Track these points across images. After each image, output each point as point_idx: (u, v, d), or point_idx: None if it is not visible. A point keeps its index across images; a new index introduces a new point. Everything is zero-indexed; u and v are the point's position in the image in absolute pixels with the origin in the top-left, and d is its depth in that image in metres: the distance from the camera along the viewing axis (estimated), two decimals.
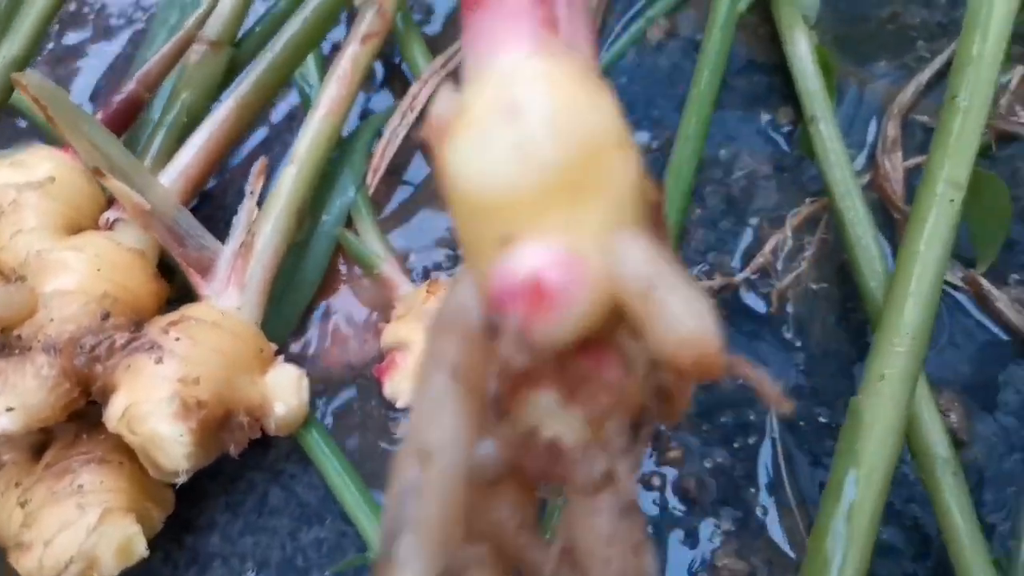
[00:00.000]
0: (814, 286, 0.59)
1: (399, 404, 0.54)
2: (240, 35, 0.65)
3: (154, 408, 0.44)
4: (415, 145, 0.68)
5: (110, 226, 0.52)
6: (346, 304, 0.60)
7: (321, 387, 0.57)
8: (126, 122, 0.59)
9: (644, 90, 0.69)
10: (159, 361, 0.45)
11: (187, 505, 0.52)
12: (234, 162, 0.68)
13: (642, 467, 0.53)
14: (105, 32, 0.77)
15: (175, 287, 0.55)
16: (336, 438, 0.54)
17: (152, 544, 0.51)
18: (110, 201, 0.55)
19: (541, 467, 0.25)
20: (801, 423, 0.54)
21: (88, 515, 0.44)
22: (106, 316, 0.47)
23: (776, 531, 0.51)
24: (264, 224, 0.54)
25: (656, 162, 0.65)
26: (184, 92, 0.60)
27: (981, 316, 0.57)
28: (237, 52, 0.65)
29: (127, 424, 0.44)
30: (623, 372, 0.25)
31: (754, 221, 0.62)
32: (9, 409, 0.43)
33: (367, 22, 0.62)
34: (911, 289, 0.47)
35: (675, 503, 0.52)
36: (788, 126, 0.66)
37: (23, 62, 0.58)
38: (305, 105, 0.67)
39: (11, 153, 0.54)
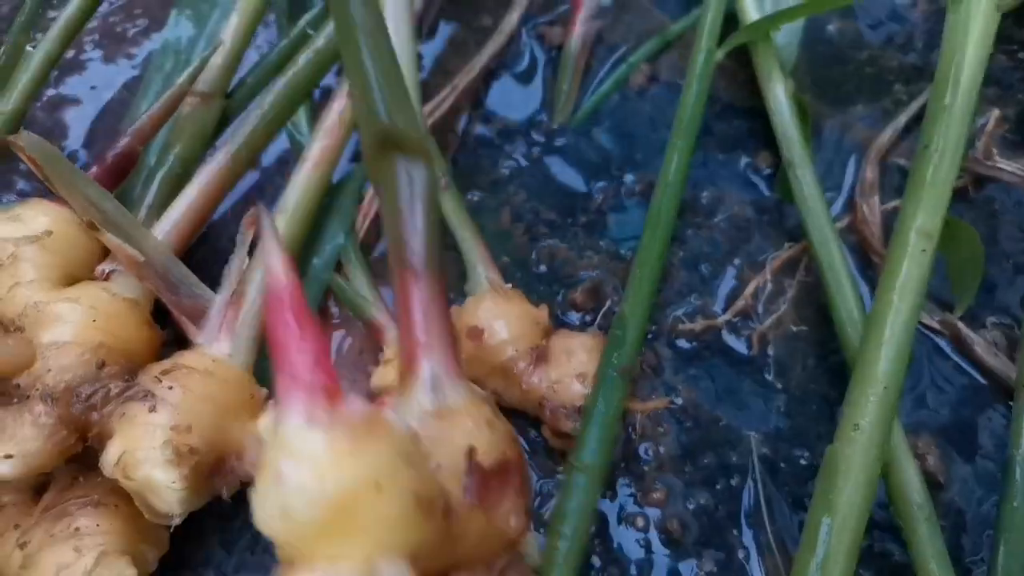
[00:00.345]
0: (794, 328, 0.60)
1: None
2: (231, 86, 0.67)
3: (148, 455, 0.45)
4: None
5: (106, 277, 0.53)
6: (336, 347, 0.62)
7: None
8: (120, 175, 0.60)
9: (627, 134, 0.71)
10: (152, 409, 0.46)
11: (182, 543, 0.53)
12: (226, 205, 0.70)
13: (625, 505, 0.54)
14: (101, 78, 0.79)
15: (169, 331, 0.57)
16: None
17: None
18: (105, 251, 0.56)
19: None
20: (782, 465, 0.56)
21: (85, 558, 0.45)
22: (102, 365, 0.48)
23: (757, 573, 0.52)
24: (255, 273, 0.55)
25: (638, 205, 0.67)
26: (177, 144, 0.62)
27: (959, 359, 0.59)
28: (229, 102, 0.67)
29: (122, 470, 0.45)
30: None
31: (736, 263, 0.63)
32: (8, 456, 0.45)
33: None
34: (885, 338, 0.49)
35: (658, 544, 0.53)
36: (768, 169, 0.68)
37: (20, 115, 0.60)
38: (295, 150, 0.69)
39: (9, 206, 0.55)
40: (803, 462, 0.55)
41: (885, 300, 0.50)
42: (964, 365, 0.58)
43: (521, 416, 0.56)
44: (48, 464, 0.46)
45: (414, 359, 0.41)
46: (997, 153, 0.64)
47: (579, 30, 0.75)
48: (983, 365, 0.58)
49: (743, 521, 0.54)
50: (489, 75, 0.75)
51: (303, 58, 0.63)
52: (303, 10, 0.72)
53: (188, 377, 0.49)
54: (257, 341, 0.54)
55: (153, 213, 0.58)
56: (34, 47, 0.62)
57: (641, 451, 0.56)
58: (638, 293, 0.56)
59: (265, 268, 0.33)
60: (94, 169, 0.58)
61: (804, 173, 0.61)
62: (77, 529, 0.46)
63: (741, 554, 0.53)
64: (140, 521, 0.49)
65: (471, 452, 0.39)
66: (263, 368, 0.55)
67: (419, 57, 0.76)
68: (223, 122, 0.67)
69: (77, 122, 0.76)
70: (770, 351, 0.60)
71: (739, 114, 0.71)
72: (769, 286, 0.61)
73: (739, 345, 0.60)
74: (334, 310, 0.63)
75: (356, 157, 0.72)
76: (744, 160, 0.68)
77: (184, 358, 0.51)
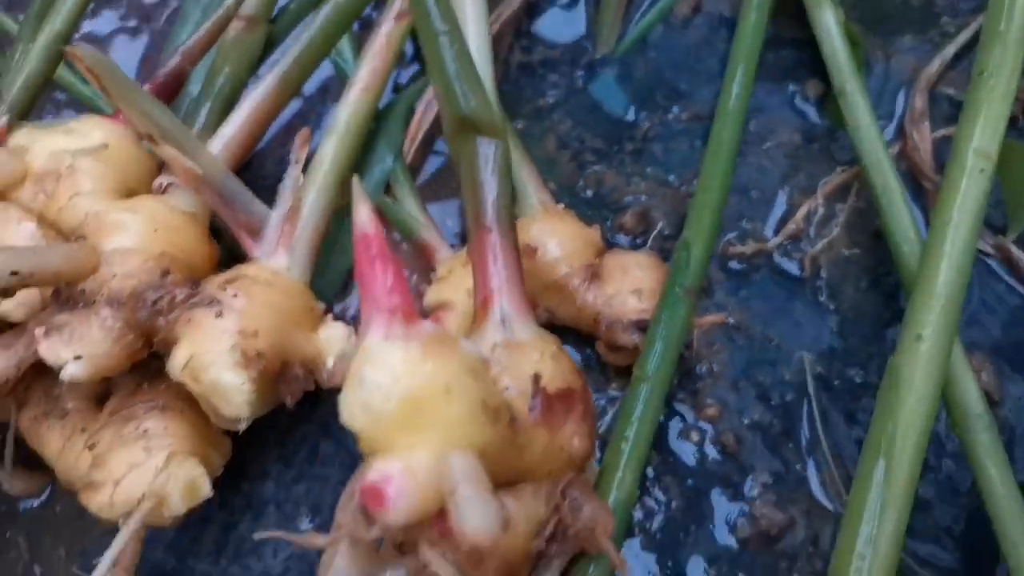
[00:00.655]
0: (846, 252, 0.60)
1: None
2: (275, 12, 0.67)
3: (216, 358, 0.46)
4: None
5: (163, 191, 0.53)
6: None
7: None
8: (170, 96, 0.60)
9: (672, 64, 0.71)
10: (219, 315, 0.47)
11: (243, 455, 0.54)
12: (270, 133, 0.69)
13: (682, 419, 0.55)
14: (139, 13, 0.78)
15: (222, 252, 0.57)
16: None
17: None
18: (159, 169, 0.56)
19: None
20: (836, 382, 0.56)
21: (155, 457, 0.45)
22: (165, 273, 0.48)
23: (814, 484, 0.53)
24: (309, 190, 0.55)
25: (684, 133, 0.67)
26: (225, 67, 0.61)
27: (1012, 281, 0.59)
28: (273, 28, 0.66)
29: (190, 373, 0.46)
30: None
31: (786, 189, 0.63)
32: (77, 357, 0.45)
33: (400, 1, 0.63)
34: (945, 253, 0.48)
35: (713, 456, 0.54)
36: (817, 98, 0.67)
37: (66, 37, 0.60)
38: (339, 78, 0.69)
39: (60, 122, 0.55)
40: (857, 380, 0.56)
41: (944, 218, 0.50)
42: (1017, 287, 0.58)
43: (574, 334, 0.56)
44: (115, 367, 0.47)
45: (488, 301, 0.45)
46: None
47: None
48: None
49: (797, 436, 0.54)
50: (532, 5, 0.74)
51: None
52: None
53: (251, 286, 0.49)
54: (312, 256, 0.54)
55: (205, 133, 0.58)
56: None
57: (696, 369, 0.56)
58: (701, 217, 0.56)
59: (354, 215, 0.37)
60: (146, 87, 0.58)
61: (856, 99, 0.60)
62: (145, 431, 0.47)
63: (797, 467, 0.53)
64: (205, 427, 0.49)
65: (536, 377, 0.42)
66: (317, 287, 0.56)
67: None
68: (267, 49, 0.67)
69: (116, 57, 0.76)
70: (822, 273, 0.59)
71: (787, 44, 0.70)
72: (820, 210, 0.61)
73: (791, 267, 0.60)
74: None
75: (396, 88, 0.72)
76: (793, 89, 0.68)
77: (245, 269, 0.51)
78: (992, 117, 0.52)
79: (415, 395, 0.34)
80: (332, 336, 0.51)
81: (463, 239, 0.63)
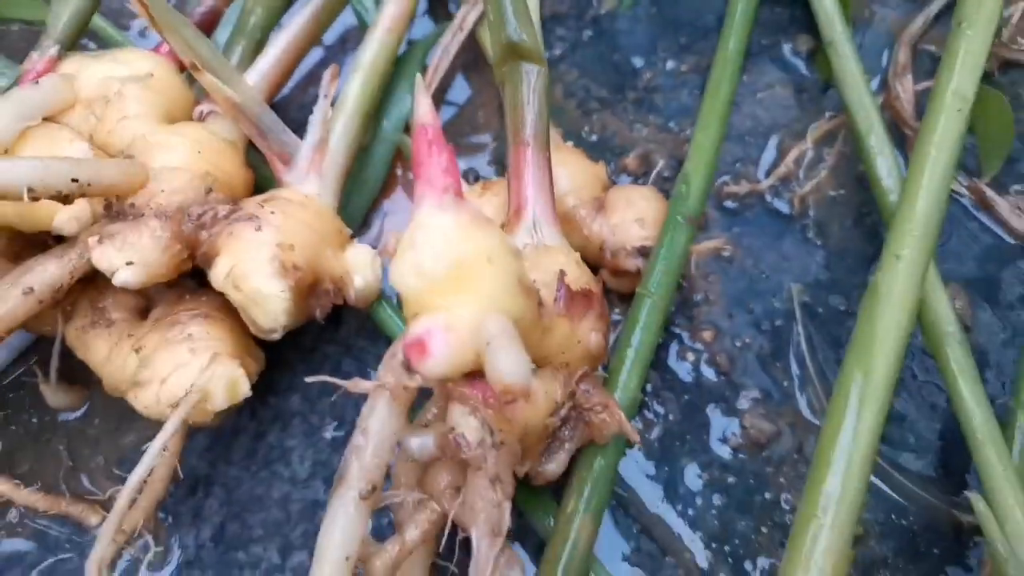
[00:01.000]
0: (833, 193, 0.65)
1: None
2: None
3: (257, 267, 0.50)
4: (458, 69, 0.74)
5: (203, 119, 0.57)
6: (404, 204, 0.66)
7: None
8: (206, 32, 0.64)
9: (672, 20, 0.75)
10: (258, 229, 0.51)
11: (271, 373, 0.58)
12: (293, 81, 0.73)
13: (680, 341, 0.59)
14: None
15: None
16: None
17: (240, 403, 0.57)
18: (197, 101, 0.60)
19: (453, 453, 0.41)
20: (821, 310, 0.60)
21: (200, 357, 0.49)
22: (209, 191, 0.52)
23: (800, 400, 0.57)
24: (337, 123, 0.59)
25: (684, 84, 0.71)
26: (256, 7, 0.65)
27: (985, 220, 0.63)
28: None
29: (232, 282, 0.50)
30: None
31: (777, 136, 0.68)
32: (129, 263, 0.49)
33: None
34: (924, 183, 0.53)
35: (708, 374, 0.58)
36: (807, 53, 0.72)
37: None
38: (360, 26, 0.73)
39: (108, 51, 0.59)
40: (841, 308, 0.60)
41: (924, 151, 0.54)
42: (990, 225, 0.63)
43: None
44: (163, 275, 0.51)
45: (521, 207, 0.51)
46: (1022, 40, 0.69)
47: None
48: (1007, 225, 0.62)
49: (786, 357, 0.59)
50: None
51: None
52: None
53: (287, 205, 0.53)
54: (339, 184, 0.58)
55: (240, 68, 0.62)
56: None
57: (692, 298, 0.61)
58: (700, 154, 0.60)
59: (415, 107, 0.42)
60: None
61: (844, 49, 0.65)
62: (190, 335, 0.51)
63: (785, 384, 0.58)
64: (244, 336, 0.53)
65: (561, 273, 0.47)
66: (344, 215, 0.59)
67: None
68: None
69: None
70: (810, 212, 0.64)
71: (780, 2, 0.74)
72: (809, 154, 0.66)
73: (781, 206, 0.64)
74: (398, 172, 0.68)
75: (410, 41, 0.75)
76: (785, 44, 0.72)
77: (280, 192, 0.55)
78: (969, 63, 0.57)
79: (462, 259, 0.39)
80: (359, 256, 0.55)
81: (477, 178, 0.67)
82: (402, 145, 0.66)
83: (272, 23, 0.66)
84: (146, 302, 0.55)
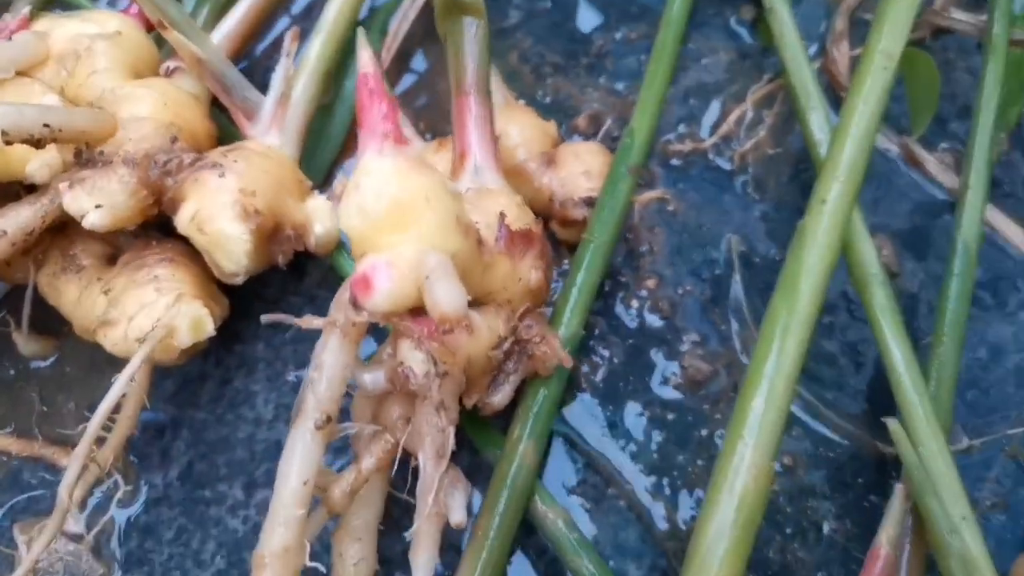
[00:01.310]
0: (771, 152, 0.69)
1: None
2: None
3: (220, 211, 0.52)
4: (422, 39, 0.77)
5: (169, 75, 0.60)
6: None
7: None
8: None
9: None
10: (222, 175, 0.53)
11: (236, 321, 0.61)
12: (259, 49, 0.76)
13: (625, 289, 0.63)
14: None
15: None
16: None
17: (206, 350, 0.60)
18: (162, 63, 0.62)
19: (402, 385, 0.44)
20: (757, 260, 0.64)
21: (166, 296, 0.52)
22: (174, 140, 0.55)
23: (736, 343, 0.61)
24: (299, 80, 0.62)
25: (633, 51, 0.74)
26: None
27: (915, 176, 0.67)
28: None
29: (196, 225, 0.52)
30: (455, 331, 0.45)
31: (720, 99, 0.71)
32: (98, 207, 0.51)
33: None
34: (851, 134, 0.56)
35: (651, 319, 0.62)
36: (750, 22, 0.75)
37: None
38: None
39: (79, 12, 0.62)
40: (776, 258, 0.64)
41: (852, 105, 0.58)
42: (918, 180, 0.67)
43: None
44: (130, 218, 0.53)
45: (464, 154, 0.54)
46: (953, 8, 0.72)
47: None
48: (934, 180, 0.66)
49: (724, 304, 0.62)
50: None
51: None
52: None
53: (250, 155, 0.56)
54: (301, 138, 0.61)
55: (205, 28, 0.64)
56: None
57: (637, 249, 0.64)
58: (645, 109, 0.64)
59: (358, 59, 0.46)
60: None
61: (783, 15, 0.68)
62: (156, 276, 0.54)
63: (723, 328, 0.61)
64: (208, 282, 0.56)
65: (502, 214, 0.49)
66: (307, 171, 0.62)
67: None
68: None
69: None
70: (749, 169, 0.68)
71: None
72: (749, 115, 0.69)
73: (723, 163, 0.68)
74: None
75: (372, 11, 0.78)
76: (730, 14, 0.76)
77: (244, 143, 0.58)
78: (896, 24, 0.60)
79: (400, 198, 0.42)
80: (319, 205, 0.58)
81: (435, 136, 0.70)
82: None
83: None
84: (114, 250, 0.58)
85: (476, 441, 0.56)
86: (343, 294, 0.44)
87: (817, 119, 0.63)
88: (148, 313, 0.52)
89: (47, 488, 0.58)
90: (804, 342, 0.51)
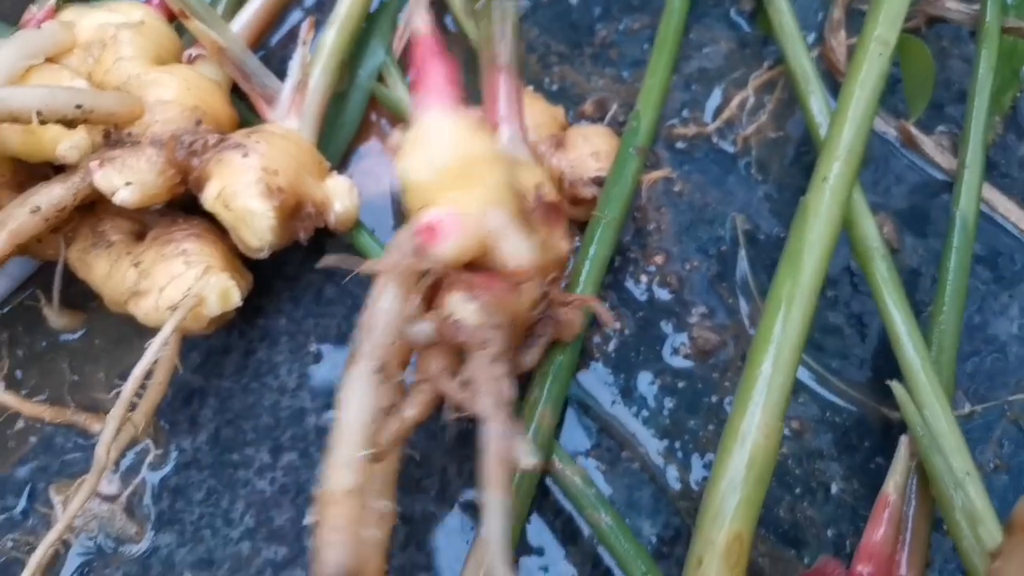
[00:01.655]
0: (773, 135, 0.71)
1: None
2: None
3: (244, 188, 0.54)
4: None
5: (192, 62, 0.62)
6: (377, 148, 0.71)
7: None
8: None
9: None
10: (245, 155, 0.55)
11: (258, 297, 0.63)
12: (273, 41, 0.78)
13: (634, 264, 0.65)
14: None
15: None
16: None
17: (230, 324, 0.61)
18: (184, 50, 0.65)
19: (452, 336, 0.44)
20: (761, 237, 0.66)
21: (194, 268, 0.54)
22: (199, 122, 0.57)
23: (742, 314, 0.63)
24: (315, 67, 0.64)
25: (636, 40, 0.77)
26: None
27: (913, 158, 0.69)
28: None
29: (222, 202, 0.54)
30: (505, 286, 0.47)
31: (722, 85, 0.73)
32: (128, 184, 0.53)
33: None
34: (849, 117, 0.59)
35: (661, 294, 0.64)
36: (749, 13, 0.78)
37: None
38: None
39: (105, 2, 0.64)
40: (780, 235, 0.66)
41: (849, 90, 0.60)
42: (916, 162, 0.69)
43: None
44: (158, 196, 0.55)
45: (497, 126, 0.56)
46: None
47: None
48: (931, 161, 0.68)
49: (731, 278, 0.64)
50: None
51: None
52: None
53: (271, 136, 0.58)
54: (318, 123, 0.63)
55: (225, 18, 0.67)
56: None
57: (645, 227, 0.66)
58: (650, 93, 0.66)
59: (412, 24, 0.49)
60: None
61: (782, 4, 0.71)
62: (184, 250, 0.56)
63: (730, 302, 0.63)
64: (233, 258, 0.58)
65: (539, 185, 0.52)
66: (322, 152, 0.64)
67: None
68: None
69: None
70: (752, 152, 0.70)
71: None
72: (751, 100, 0.72)
73: (726, 146, 0.70)
74: (373, 118, 0.73)
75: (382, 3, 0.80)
76: (728, 4, 0.78)
77: (264, 126, 0.60)
78: (890, 12, 0.63)
79: (470, 155, 0.45)
80: (338, 184, 0.60)
81: None
82: (376, 92, 0.71)
83: None
84: (141, 227, 0.60)
85: None
86: (400, 246, 0.45)
87: (817, 103, 0.66)
88: (178, 284, 0.54)
89: (80, 452, 0.60)
90: (808, 311, 0.53)
